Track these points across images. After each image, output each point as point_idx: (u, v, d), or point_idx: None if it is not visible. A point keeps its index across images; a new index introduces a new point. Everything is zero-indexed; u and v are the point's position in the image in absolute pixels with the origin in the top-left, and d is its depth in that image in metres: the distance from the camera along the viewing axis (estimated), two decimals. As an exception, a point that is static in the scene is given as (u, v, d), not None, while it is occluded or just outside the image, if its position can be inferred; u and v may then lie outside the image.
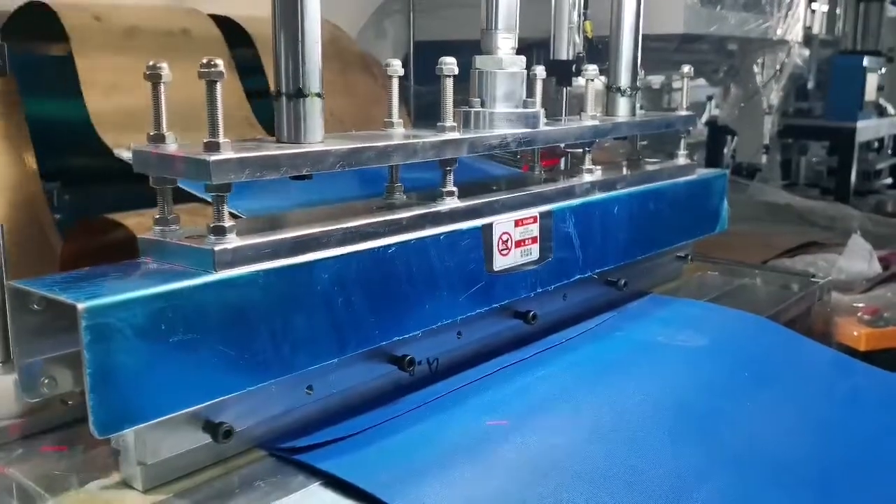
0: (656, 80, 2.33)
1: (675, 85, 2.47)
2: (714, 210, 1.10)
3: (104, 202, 0.84)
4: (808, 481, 0.67)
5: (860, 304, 1.22)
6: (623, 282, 0.96)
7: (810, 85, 2.72)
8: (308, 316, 0.60)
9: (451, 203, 0.73)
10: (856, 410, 0.82)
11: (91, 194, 1.12)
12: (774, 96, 2.24)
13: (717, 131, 2.37)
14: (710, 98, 2.54)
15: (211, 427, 0.57)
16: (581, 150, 0.92)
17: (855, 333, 1.07)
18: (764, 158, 2.36)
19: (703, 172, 1.08)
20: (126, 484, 0.56)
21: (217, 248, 0.55)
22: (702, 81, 2.38)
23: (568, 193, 0.86)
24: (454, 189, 0.73)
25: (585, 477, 0.61)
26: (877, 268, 1.42)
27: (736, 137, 2.32)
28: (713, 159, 2.35)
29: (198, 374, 0.53)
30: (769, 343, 0.91)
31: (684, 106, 1.06)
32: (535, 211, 0.80)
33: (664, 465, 0.64)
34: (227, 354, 0.55)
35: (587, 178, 0.89)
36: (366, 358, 0.68)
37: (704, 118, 2.54)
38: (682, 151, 1.05)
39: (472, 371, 0.78)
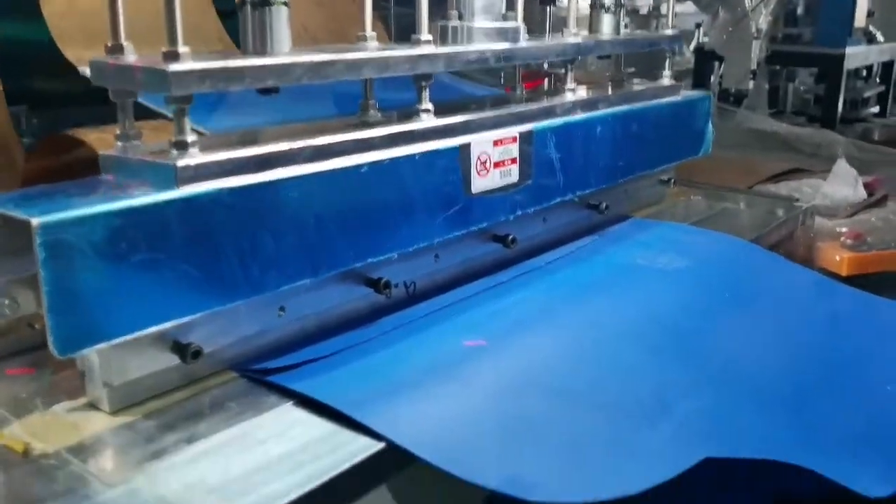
0: (643, 3, 2.27)
1: (664, 10, 2.42)
2: (698, 133, 1.08)
3: (74, 124, 0.81)
4: (784, 400, 0.67)
5: (843, 229, 1.21)
6: (604, 205, 0.95)
7: (800, 10, 2.66)
8: (276, 236, 0.58)
9: (428, 121, 0.70)
10: (836, 331, 0.81)
11: (60, 116, 1.08)
12: (763, 21, 2.19)
13: (704, 57, 2.32)
14: (698, 25, 2.50)
15: (179, 347, 0.56)
16: (563, 70, 0.89)
17: (837, 258, 1.06)
18: (751, 85, 2.32)
19: (687, 94, 1.06)
20: (93, 406, 0.55)
21: (179, 163, 0.53)
22: (690, 7, 2.33)
23: (549, 113, 0.83)
24: (430, 106, 0.71)
25: (562, 394, 0.61)
26: (862, 193, 1.41)
27: (723, 63, 2.27)
28: (700, 86, 2.31)
29: (161, 294, 0.52)
30: (751, 265, 0.91)
31: (670, 24, 1.03)
32: (514, 130, 0.78)
33: (642, 383, 0.64)
34: (191, 274, 0.53)
35: (569, 97, 0.86)
36: (340, 280, 0.67)
37: (693, 45, 2.49)
38: (666, 72, 1.03)
39: (449, 294, 0.77)
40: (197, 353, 0.56)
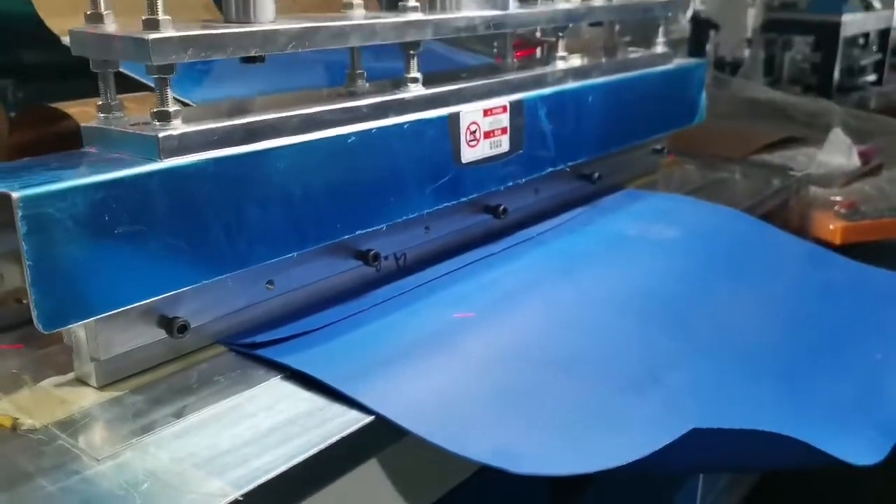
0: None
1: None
2: (692, 101, 1.07)
3: (61, 98, 0.80)
4: (774, 370, 0.67)
5: (837, 198, 1.21)
6: (597, 175, 0.94)
7: (795, -23, 2.63)
8: (263, 208, 0.57)
9: (416, 90, 0.69)
10: (827, 301, 0.81)
11: (47, 90, 1.07)
12: (758, -12, 2.17)
13: (700, 25, 2.30)
14: (698, -8, 2.47)
15: (165, 322, 0.55)
16: (554, 39, 0.88)
17: (830, 227, 1.06)
18: (746, 52, 2.30)
19: (680, 62, 1.05)
20: (81, 381, 0.55)
21: (161, 134, 0.52)
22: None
23: (539, 82, 0.82)
24: (418, 76, 0.70)
25: (550, 365, 0.60)
26: (856, 162, 1.40)
27: (718, 31, 2.25)
28: (696, 55, 2.29)
29: (146, 267, 0.51)
30: (743, 235, 0.90)
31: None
32: (504, 100, 0.77)
33: (631, 353, 0.64)
34: (177, 247, 0.52)
35: (560, 65, 0.85)
36: (329, 253, 0.66)
37: (689, 14, 2.47)
38: (660, 39, 1.01)
39: (439, 266, 0.76)
40: (184, 328, 0.55)
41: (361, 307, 0.67)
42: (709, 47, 2.44)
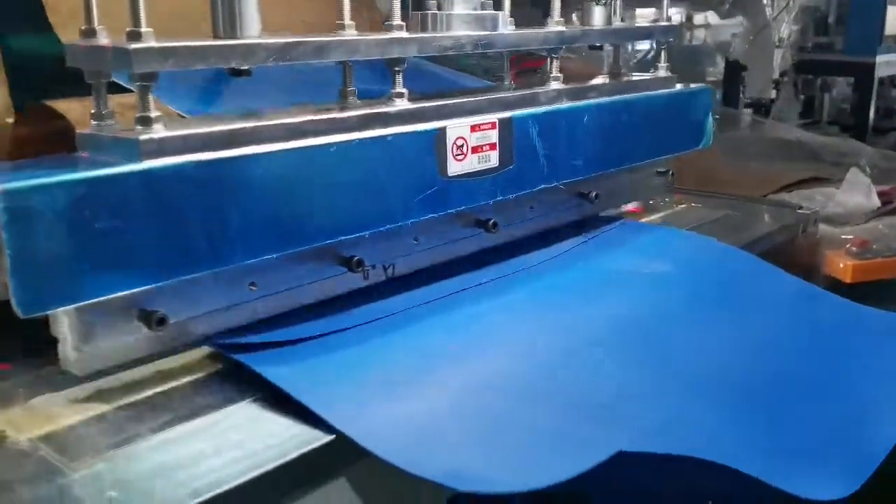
0: (676, 15, 2.27)
1: (697, 21, 2.41)
2: (697, 125, 1.08)
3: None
4: (749, 404, 0.67)
5: (849, 237, 1.19)
6: (594, 194, 0.95)
7: (831, 19, 2.63)
8: (241, 210, 0.60)
9: (401, 105, 0.72)
10: (813, 337, 0.80)
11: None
12: (785, 29, 2.17)
13: (733, 67, 2.30)
14: (735, 35, 2.48)
15: (144, 315, 0.58)
16: (554, 58, 0.90)
17: (841, 265, 1.04)
18: (774, 94, 2.29)
19: (684, 87, 1.06)
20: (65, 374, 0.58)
21: (142, 137, 0.55)
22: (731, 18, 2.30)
23: (531, 101, 0.84)
24: (404, 91, 0.72)
25: (520, 395, 0.61)
26: (875, 202, 1.39)
27: (745, 71, 2.26)
28: (730, 95, 2.30)
29: (124, 261, 0.54)
30: (735, 271, 0.90)
31: (665, 17, 1.03)
32: (493, 117, 0.79)
33: (606, 384, 0.64)
34: (154, 243, 0.55)
35: (553, 85, 0.87)
36: (313, 258, 0.69)
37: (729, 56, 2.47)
38: (662, 64, 1.03)
39: (429, 289, 0.78)
40: (162, 321, 0.58)
41: (342, 325, 0.68)
42: (741, 87, 2.44)
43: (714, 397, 0.66)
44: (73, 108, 0.67)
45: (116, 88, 0.65)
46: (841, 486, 0.58)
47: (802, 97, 2.69)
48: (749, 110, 2.35)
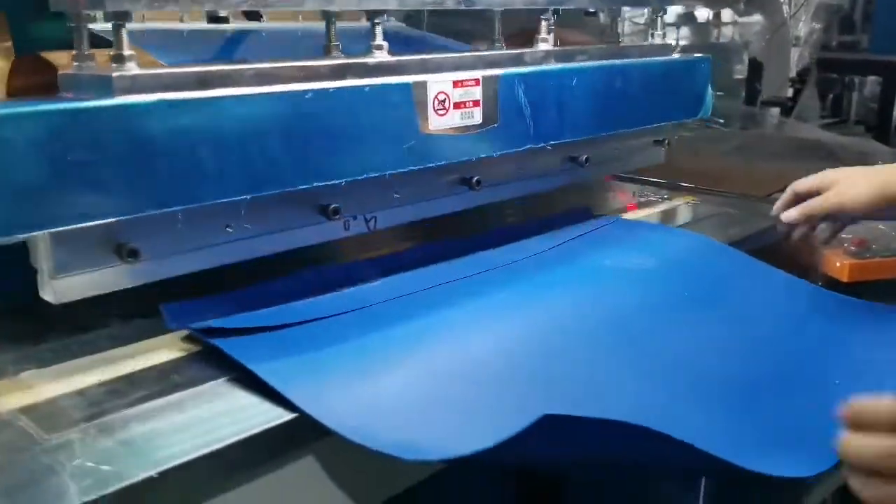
0: (702, 13, 2.25)
1: (724, 18, 2.38)
2: (695, 95, 1.07)
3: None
4: (723, 390, 0.67)
5: (849, 236, 1.18)
6: (584, 158, 0.96)
7: (856, 16, 2.58)
8: (214, 151, 0.62)
9: (380, 57, 0.73)
10: (796, 329, 0.80)
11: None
12: (804, 27, 2.14)
13: (753, 66, 2.27)
14: (754, 33, 2.44)
15: (117, 247, 0.60)
16: (541, 23, 0.90)
17: (838, 264, 1.02)
18: (790, 92, 2.26)
19: (682, 56, 1.06)
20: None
21: (115, 74, 0.58)
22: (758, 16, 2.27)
23: (517, 61, 0.85)
24: (383, 44, 0.74)
25: (485, 382, 0.62)
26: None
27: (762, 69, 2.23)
28: (751, 93, 2.27)
29: (94, 192, 0.56)
30: (722, 266, 0.88)
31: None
32: (477, 73, 0.80)
33: (581, 375, 0.65)
34: (125, 176, 0.58)
35: (542, 46, 0.88)
36: (291, 204, 0.71)
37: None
38: (658, 31, 1.03)
39: (413, 276, 0.79)
40: (133, 252, 0.60)
41: (318, 314, 0.68)
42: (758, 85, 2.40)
43: (687, 385, 0.67)
44: (62, 58, 0.69)
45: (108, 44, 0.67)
46: (806, 466, 0.58)
47: (830, 96, 2.64)
48: (776, 109, 2.31)
